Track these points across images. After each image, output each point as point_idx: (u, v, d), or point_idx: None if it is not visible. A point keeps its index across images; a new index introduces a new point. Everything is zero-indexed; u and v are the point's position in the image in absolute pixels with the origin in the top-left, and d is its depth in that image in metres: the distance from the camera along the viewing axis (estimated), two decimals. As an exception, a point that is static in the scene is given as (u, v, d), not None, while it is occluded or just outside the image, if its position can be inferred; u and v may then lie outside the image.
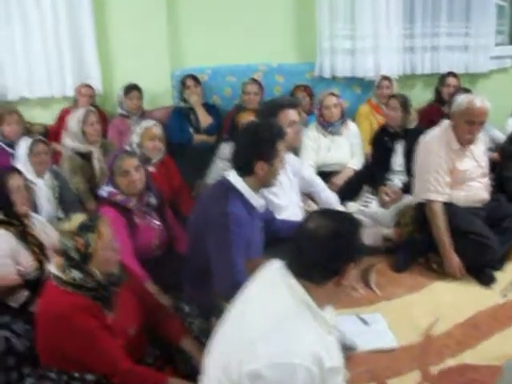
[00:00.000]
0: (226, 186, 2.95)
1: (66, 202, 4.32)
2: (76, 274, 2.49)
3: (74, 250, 2.47)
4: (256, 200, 2.98)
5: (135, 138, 4.31)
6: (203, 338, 2.82)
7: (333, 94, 4.98)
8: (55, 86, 5.96)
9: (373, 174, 4.78)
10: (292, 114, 3.61)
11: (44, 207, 4.15)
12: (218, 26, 5.90)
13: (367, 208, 4.28)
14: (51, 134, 5.68)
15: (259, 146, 2.89)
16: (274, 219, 3.36)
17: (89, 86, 5.75)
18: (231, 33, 5.90)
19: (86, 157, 4.63)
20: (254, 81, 5.67)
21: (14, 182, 3.27)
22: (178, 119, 5.69)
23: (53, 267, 2.56)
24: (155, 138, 4.33)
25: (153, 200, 3.65)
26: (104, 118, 5.77)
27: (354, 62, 5.97)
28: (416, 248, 4.09)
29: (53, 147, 5.16)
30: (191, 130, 5.65)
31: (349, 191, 4.69)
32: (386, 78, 5.58)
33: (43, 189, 4.16)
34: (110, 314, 2.57)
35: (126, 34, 5.86)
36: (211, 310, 2.83)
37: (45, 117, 6.01)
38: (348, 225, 1.98)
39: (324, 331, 1.94)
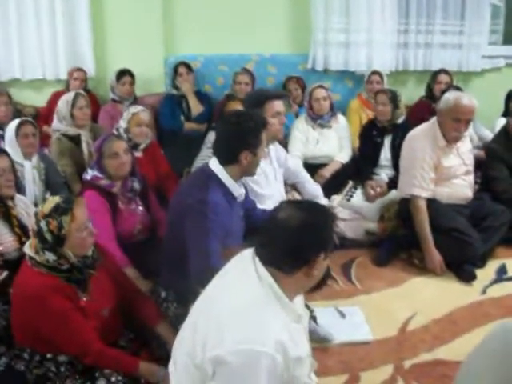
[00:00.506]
0: (206, 174, 2.96)
1: (53, 184, 4.32)
2: (50, 256, 2.49)
3: (47, 232, 2.48)
4: (236, 189, 2.99)
5: (122, 123, 4.31)
6: (179, 323, 2.82)
7: (322, 87, 4.99)
8: (48, 68, 5.97)
9: (359, 168, 4.80)
10: (278, 105, 3.60)
11: (30, 189, 4.14)
12: (213, 15, 5.88)
13: (350, 201, 4.28)
14: (42, 117, 5.70)
15: (244, 136, 2.90)
16: (255, 208, 3.37)
17: (81, 70, 5.76)
18: (225, 21, 5.89)
19: (74, 140, 4.63)
20: (246, 71, 5.67)
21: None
22: (170, 106, 5.70)
23: (28, 248, 2.57)
24: (142, 123, 4.32)
25: (136, 185, 3.65)
26: (95, 103, 5.80)
27: (347, 56, 5.97)
28: (399, 243, 4.12)
29: (44, 130, 5.20)
30: (182, 117, 5.67)
31: (335, 184, 4.69)
32: (376, 72, 5.58)
33: (29, 171, 4.15)
34: (84, 295, 2.58)
35: (121, 18, 5.86)
36: (188, 296, 2.83)
37: (37, 99, 6.02)
38: (319, 216, 1.98)
39: (291, 320, 1.95)
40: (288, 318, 1.94)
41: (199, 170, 3.11)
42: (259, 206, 3.46)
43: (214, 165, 2.97)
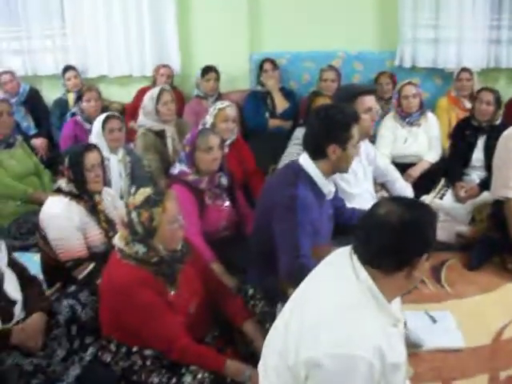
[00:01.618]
0: (296, 169, 2.88)
1: (138, 178, 4.36)
2: (139, 248, 2.49)
3: (138, 224, 2.47)
4: (326, 186, 2.90)
5: (209, 119, 4.30)
6: (266, 321, 2.78)
7: (412, 84, 4.83)
8: (134, 65, 6.11)
9: (449, 168, 4.61)
10: (369, 101, 3.49)
11: (116, 182, 4.20)
12: (299, 11, 5.81)
13: (442, 201, 4.09)
14: (128, 112, 5.80)
15: (332, 128, 2.79)
16: (345, 207, 3.28)
17: (167, 67, 5.85)
18: (311, 18, 5.79)
19: (159, 135, 4.67)
20: (332, 68, 5.58)
21: (90, 159, 3.25)
22: (255, 103, 5.68)
23: (117, 240, 2.58)
24: (228, 119, 4.30)
25: (224, 181, 3.63)
26: (181, 99, 5.86)
27: (436, 53, 5.75)
28: (491, 247, 3.91)
29: (131, 125, 5.29)
30: (267, 114, 5.63)
31: (424, 184, 4.51)
32: (466, 69, 5.33)
33: (115, 164, 4.21)
34: (172, 290, 2.57)
35: (206, 16, 5.91)
36: (276, 295, 2.79)
37: (123, 95, 6.16)
38: (423, 213, 1.87)
39: (389, 324, 1.86)
40: (385, 322, 1.85)
41: (287, 167, 3.04)
42: (348, 204, 3.37)
43: (304, 160, 2.89)
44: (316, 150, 2.85)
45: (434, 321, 3.19)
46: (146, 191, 2.53)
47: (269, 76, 5.65)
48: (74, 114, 5.21)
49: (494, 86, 4.99)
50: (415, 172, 4.68)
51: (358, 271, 1.86)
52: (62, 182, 3.28)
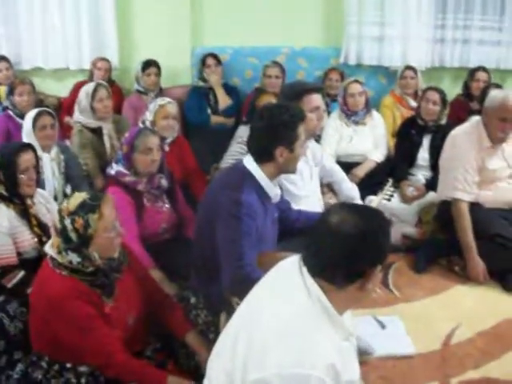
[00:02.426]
0: (240, 172, 2.72)
1: (73, 177, 4.14)
2: (73, 257, 2.30)
3: (72, 231, 2.28)
4: (272, 189, 2.75)
5: (149, 116, 4.12)
6: (209, 332, 2.66)
7: (358, 82, 4.76)
8: (71, 57, 5.84)
9: (396, 168, 4.56)
10: (316, 99, 3.37)
11: (49, 182, 3.97)
12: (243, 5, 5.67)
13: (388, 203, 4.00)
14: (65, 107, 5.55)
15: (278, 130, 2.65)
16: (290, 209, 3.15)
17: (105, 60, 5.61)
18: (255, 13, 5.67)
19: (96, 132, 4.46)
20: (276, 64, 5.45)
21: (24, 161, 3.05)
22: (196, 99, 5.51)
23: (49, 247, 2.37)
24: (169, 116, 4.14)
25: (164, 182, 3.47)
26: (119, 94, 5.68)
27: (381, 50, 5.73)
28: (438, 248, 3.87)
29: (67, 121, 5.04)
30: (209, 110, 5.48)
31: (370, 184, 4.43)
32: (410, 67, 5.32)
33: (48, 164, 3.97)
34: (109, 301, 2.39)
35: (147, 7, 5.70)
36: (220, 304, 2.64)
37: (60, 89, 5.89)
38: (377, 222, 1.76)
39: (341, 338, 1.74)
40: (338, 336, 1.73)
41: (232, 168, 2.88)
42: (294, 207, 3.25)
43: (249, 163, 2.73)
44: (262, 153, 2.71)
45: (383, 326, 3.10)
46: (80, 196, 2.34)
47: (211, 71, 5.48)
48: (6, 108, 4.92)
49: (439, 86, 4.99)
50: (361, 171, 4.61)
51: (308, 284, 1.74)
52: (-9, 183, 3.06)
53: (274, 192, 2.77)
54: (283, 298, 1.77)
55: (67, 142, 4.44)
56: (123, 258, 2.49)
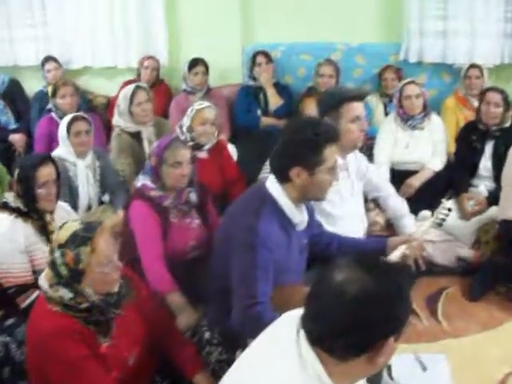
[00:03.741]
0: (262, 194, 2.45)
1: (110, 185, 4.03)
2: (64, 293, 2.08)
3: (62, 265, 2.06)
4: (296, 215, 2.46)
5: (186, 121, 3.90)
6: (221, 372, 2.37)
7: (414, 83, 4.36)
8: (119, 56, 5.74)
9: (455, 178, 4.15)
10: (357, 108, 3.06)
11: (83, 190, 3.87)
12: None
13: (444, 221, 3.58)
14: (112, 107, 5.38)
15: (298, 148, 2.36)
16: (322, 233, 2.85)
17: (153, 59, 5.46)
18: (309, 7, 5.32)
19: (136, 136, 4.28)
20: (330, 62, 5.12)
21: (43, 174, 2.92)
22: (246, 99, 5.28)
23: (42, 280, 2.17)
24: (207, 121, 3.90)
25: (193, 197, 3.22)
26: (168, 93, 5.55)
27: (445, 47, 5.24)
28: (496, 273, 3.47)
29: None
30: (259, 111, 5.22)
31: (426, 196, 4.04)
32: (475, 66, 4.85)
33: (83, 170, 3.86)
34: (106, 340, 2.16)
35: (196, 4, 5.49)
36: (236, 340, 2.39)
37: (108, 88, 5.79)
38: (391, 283, 1.46)
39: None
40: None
41: (254, 189, 2.60)
42: (328, 227, 2.94)
43: (271, 183, 2.46)
44: (279, 173, 2.43)
45: (424, 368, 2.74)
46: (73, 225, 2.13)
47: (262, 70, 5.22)
48: (50, 111, 4.82)
49: (509, 84, 4.53)
50: (416, 181, 4.21)
51: (305, 354, 1.46)
52: (10, 197, 2.95)
53: (298, 219, 2.48)
54: (274, 365, 1.50)
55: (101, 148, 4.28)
56: (126, 290, 2.25)
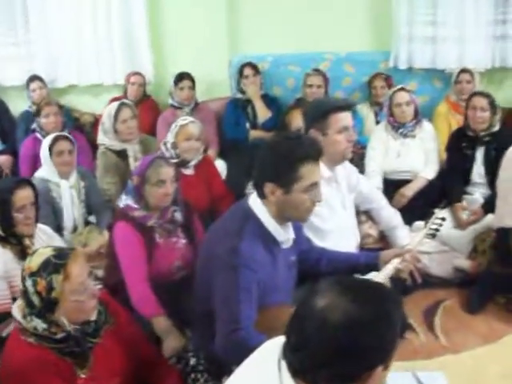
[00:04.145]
0: (244, 213, 2.33)
1: (94, 205, 3.92)
2: (38, 324, 1.98)
3: (34, 294, 1.96)
4: (280, 233, 2.34)
5: (170, 138, 3.80)
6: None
7: (405, 90, 4.26)
8: (105, 73, 5.68)
9: (448, 187, 4.04)
10: (344, 119, 2.96)
11: (68, 211, 3.78)
12: (282, 9, 5.30)
13: (438, 232, 3.44)
14: (98, 125, 5.30)
15: (271, 163, 2.26)
16: (311, 250, 2.74)
17: (139, 74, 5.41)
18: (296, 17, 5.27)
19: (121, 154, 4.17)
20: (318, 72, 5.06)
21: (20, 198, 2.84)
22: (234, 112, 5.22)
23: (16, 310, 2.06)
24: (191, 137, 3.80)
25: (178, 215, 3.11)
26: (156, 109, 5.48)
27: (435, 52, 5.18)
28: (495, 284, 3.36)
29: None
30: (248, 124, 5.14)
31: (420, 205, 3.93)
32: (465, 70, 4.78)
33: (67, 191, 3.77)
34: (83, 371, 2.05)
35: (180, 17, 5.44)
36: (222, 366, 2.27)
37: (95, 105, 5.72)
38: (377, 307, 1.34)
39: None
40: None
41: (237, 207, 2.47)
42: (318, 243, 2.84)
43: (254, 201, 2.35)
44: (257, 189, 2.34)
45: (422, 387, 2.64)
46: (44, 252, 2.02)
47: (249, 82, 5.15)
48: (34, 131, 4.73)
49: (500, 89, 4.44)
50: (409, 191, 4.11)
51: None
52: (-14, 222, 2.84)
53: (283, 237, 2.36)
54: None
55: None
56: (105, 318, 2.15)
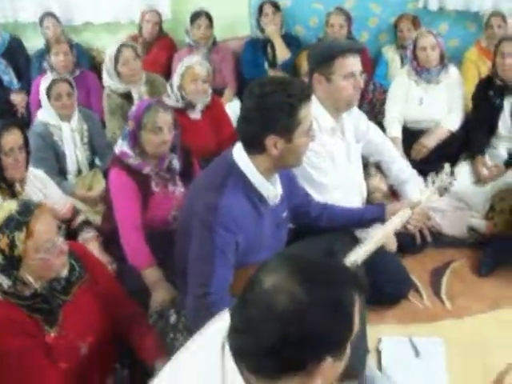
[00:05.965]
0: (227, 166, 2.16)
1: (99, 147, 3.81)
2: (3, 280, 1.88)
3: None
4: (267, 189, 2.16)
5: (175, 79, 3.62)
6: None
7: (430, 33, 3.94)
8: (121, 10, 5.44)
9: (471, 138, 3.78)
10: (351, 64, 2.71)
11: (71, 155, 3.67)
12: None
13: (455, 183, 3.18)
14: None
15: (270, 113, 2.04)
16: (310, 203, 2.57)
17: (154, 11, 5.17)
18: None
19: (126, 97, 4.02)
20: (340, 10, 4.76)
21: (7, 141, 2.74)
22: (253, 52, 5.02)
23: None
24: (198, 78, 3.63)
25: (176, 163, 2.96)
26: (172, 47, 5.27)
27: (469, -8, 4.81)
28: (510, 247, 3.14)
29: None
30: (266, 64, 4.95)
31: (439, 158, 3.64)
32: (497, 14, 4.40)
33: (68, 134, 3.65)
34: (52, 329, 1.95)
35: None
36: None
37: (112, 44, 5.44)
38: (326, 295, 1.19)
39: None
40: None
41: (220, 159, 2.29)
42: (318, 198, 2.66)
43: (238, 153, 2.16)
44: (251, 143, 2.11)
45: (417, 353, 2.49)
46: (8, 207, 1.90)
47: (269, 20, 4.90)
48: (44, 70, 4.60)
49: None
50: (431, 141, 3.87)
51: (228, 370, 1.21)
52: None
53: (271, 193, 2.19)
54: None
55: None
56: (79, 273, 2.04)
